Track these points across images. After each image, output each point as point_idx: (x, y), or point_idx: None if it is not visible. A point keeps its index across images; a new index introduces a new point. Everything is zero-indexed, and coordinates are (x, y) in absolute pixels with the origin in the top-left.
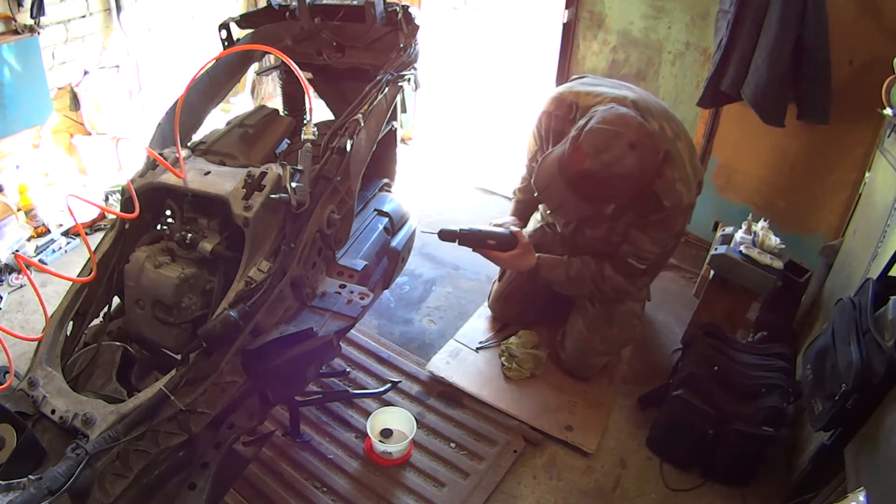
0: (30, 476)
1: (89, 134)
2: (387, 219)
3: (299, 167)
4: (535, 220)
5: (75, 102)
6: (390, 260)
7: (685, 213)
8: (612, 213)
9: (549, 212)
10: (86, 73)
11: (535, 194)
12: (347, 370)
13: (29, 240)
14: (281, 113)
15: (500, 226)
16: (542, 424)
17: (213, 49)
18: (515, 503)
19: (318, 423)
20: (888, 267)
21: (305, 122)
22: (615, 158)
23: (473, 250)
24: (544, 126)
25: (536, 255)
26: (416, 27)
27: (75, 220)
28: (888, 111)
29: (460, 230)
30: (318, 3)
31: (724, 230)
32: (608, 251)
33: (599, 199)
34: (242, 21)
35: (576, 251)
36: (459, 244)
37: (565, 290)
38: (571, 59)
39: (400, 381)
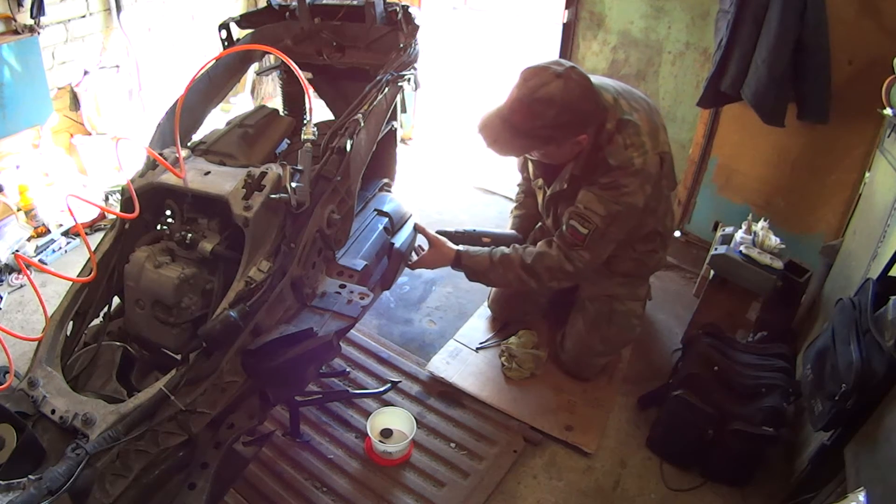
0: (30, 476)
1: (89, 134)
2: (387, 219)
3: (299, 167)
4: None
5: (75, 102)
6: (393, 261)
7: (636, 177)
8: (573, 187)
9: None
10: (86, 73)
11: (531, 198)
12: (347, 370)
13: (29, 240)
14: (281, 113)
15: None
16: (542, 424)
17: (213, 49)
18: (515, 503)
19: (318, 423)
20: (888, 267)
21: (305, 122)
22: (539, 84)
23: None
24: None
25: (459, 247)
26: (416, 27)
27: (75, 220)
28: (888, 111)
29: (455, 232)
30: (318, 3)
31: (724, 230)
32: None
33: (527, 132)
34: (242, 21)
35: None
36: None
37: (493, 280)
38: (571, 59)
39: (400, 381)
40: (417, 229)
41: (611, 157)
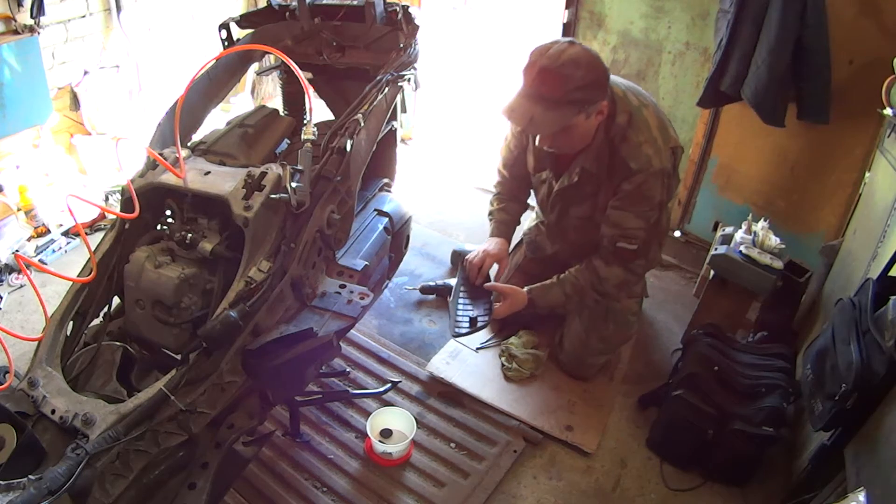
0: (30, 476)
1: (89, 134)
2: (387, 219)
3: (299, 167)
4: (530, 220)
5: (75, 102)
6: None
7: (658, 178)
8: (591, 188)
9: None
10: (86, 73)
11: (508, 200)
12: (347, 370)
13: (29, 240)
14: (281, 113)
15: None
16: (542, 424)
17: (213, 49)
18: (515, 503)
19: (318, 423)
20: (888, 267)
21: (305, 122)
22: (559, 51)
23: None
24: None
25: (526, 288)
26: (416, 27)
27: (75, 220)
28: (888, 111)
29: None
30: (318, 3)
31: (724, 230)
32: (593, 237)
33: (560, 99)
34: (242, 21)
35: (564, 238)
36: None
37: (570, 308)
38: None
39: (400, 381)
40: (489, 288)
41: (630, 159)
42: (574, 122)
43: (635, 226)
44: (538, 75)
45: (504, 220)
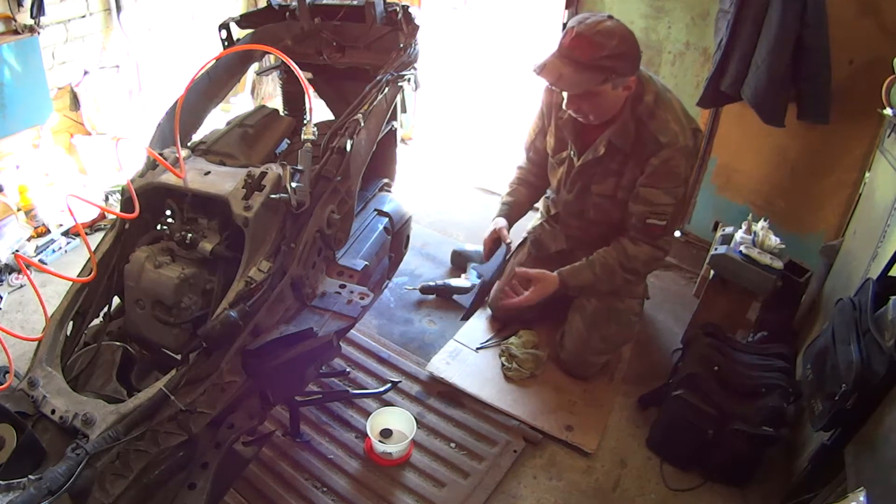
0: (30, 476)
1: (89, 134)
2: (387, 219)
3: (299, 167)
4: (535, 218)
5: (75, 102)
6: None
7: (684, 154)
8: (617, 165)
9: (550, 206)
10: (86, 73)
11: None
12: (347, 370)
13: (29, 240)
14: (281, 113)
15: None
16: (542, 424)
17: (213, 49)
18: (515, 503)
19: (318, 423)
20: (888, 267)
21: (305, 122)
22: (597, 21)
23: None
24: (545, 102)
25: (555, 272)
26: (416, 27)
27: (75, 220)
28: (888, 111)
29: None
30: (318, 3)
31: (724, 230)
32: (611, 217)
33: (590, 63)
34: (242, 21)
35: (581, 217)
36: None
37: (600, 289)
38: None
39: (400, 381)
40: (520, 274)
41: (660, 133)
42: (600, 90)
43: (665, 202)
44: (573, 39)
45: (507, 202)
